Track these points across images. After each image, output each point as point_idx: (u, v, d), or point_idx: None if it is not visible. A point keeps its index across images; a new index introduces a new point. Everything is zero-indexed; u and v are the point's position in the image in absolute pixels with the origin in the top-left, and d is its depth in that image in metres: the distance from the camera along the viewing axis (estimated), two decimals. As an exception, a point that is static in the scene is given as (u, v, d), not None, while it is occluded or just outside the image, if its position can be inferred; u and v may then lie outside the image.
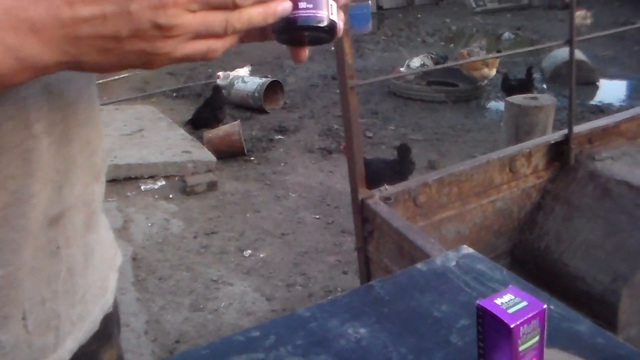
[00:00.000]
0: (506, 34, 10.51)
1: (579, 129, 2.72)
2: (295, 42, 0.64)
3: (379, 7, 12.73)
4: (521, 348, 0.90)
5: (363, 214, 2.23)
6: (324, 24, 0.61)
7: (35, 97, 0.64)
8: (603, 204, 2.51)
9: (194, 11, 0.52)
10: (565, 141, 2.66)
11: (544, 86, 7.12)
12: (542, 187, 2.72)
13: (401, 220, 2.09)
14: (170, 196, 4.72)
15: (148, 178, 4.96)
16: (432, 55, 7.48)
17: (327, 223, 4.27)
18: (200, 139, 5.52)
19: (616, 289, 2.32)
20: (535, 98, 4.87)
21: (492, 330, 0.92)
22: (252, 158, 5.46)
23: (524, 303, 0.92)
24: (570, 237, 2.55)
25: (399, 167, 4.23)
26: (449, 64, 6.97)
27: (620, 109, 6.12)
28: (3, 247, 0.65)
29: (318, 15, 0.60)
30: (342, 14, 0.63)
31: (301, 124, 6.30)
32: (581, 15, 9.27)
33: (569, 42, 2.56)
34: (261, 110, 6.54)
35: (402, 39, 10.19)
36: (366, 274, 2.35)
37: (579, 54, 6.68)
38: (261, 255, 3.88)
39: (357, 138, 2.17)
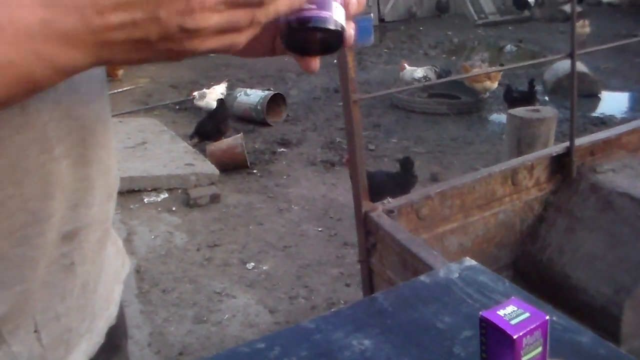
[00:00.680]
0: (508, 46, 10.54)
1: (580, 141, 2.73)
2: (302, 48, 0.64)
3: (381, 20, 12.78)
4: (524, 359, 0.91)
5: (366, 227, 2.24)
6: (330, 25, 0.60)
7: (56, 122, 0.66)
8: (605, 216, 2.52)
9: (220, 11, 0.53)
10: (567, 153, 2.67)
11: (546, 98, 7.13)
12: (544, 200, 2.73)
13: (404, 232, 2.10)
14: (173, 209, 4.74)
15: (151, 191, 4.98)
16: (436, 69, 7.50)
17: (330, 235, 4.28)
18: (203, 151, 5.54)
19: (619, 301, 2.32)
20: (537, 110, 4.87)
21: (495, 341, 0.93)
22: (254, 171, 5.48)
23: (527, 314, 0.93)
24: (572, 249, 2.55)
25: (401, 180, 4.24)
26: (453, 77, 6.98)
27: (622, 121, 6.14)
28: (22, 264, 0.67)
29: (323, 15, 0.60)
30: (352, 24, 0.64)
31: (304, 137, 6.31)
32: (579, 25, 9.29)
33: (571, 55, 2.58)
34: (264, 123, 6.56)
35: (405, 52, 10.22)
36: (369, 287, 2.35)
37: (580, 66, 6.70)
38: (264, 268, 3.88)
39: (360, 151, 2.18)
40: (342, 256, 3.99)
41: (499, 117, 6.67)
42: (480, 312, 0.94)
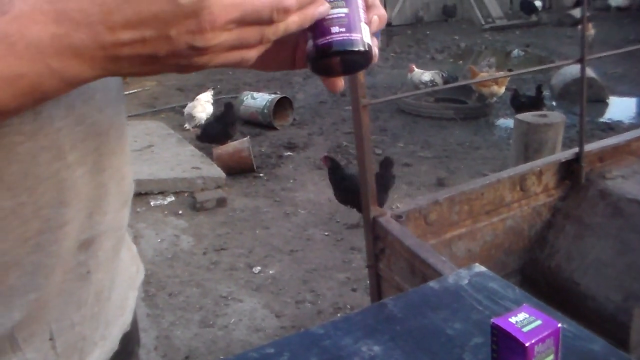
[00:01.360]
0: (515, 51, 10.55)
1: (589, 147, 2.72)
2: (331, 71, 0.63)
3: (388, 24, 12.79)
4: (535, 367, 0.90)
5: (374, 232, 2.23)
6: (360, 47, 0.59)
7: (69, 128, 0.66)
8: (614, 223, 2.51)
9: (230, 30, 0.53)
10: (576, 160, 2.66)
11: (553, 103, 7.12)
12: (552, 206, 2.71)
13: (413, 238, 2.09)
14: (180, 212, 4.74)
15: (158, 194, 4.98)
16: (443, 74, 7.49)
17: (336, 240, 4.28)
18: (209, 155, 5.54)
19: (628, 308, 2.31)
20: (544, 115, 4.87)
21: (506, 348, 0.92)
22: (261, 174, 5.48)
23: (539, 322, 0.92)
24: (581, 255, 2.54)
25: (380, 180, 4.27)
26: (460, 82, 6.98)
27: (630, 126, 6.12)
28: (36, 272, 0.67)
29: (353, 38, 0.59)
30: (375, 40, 0.63)
31: (310, 141, 6.31)
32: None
33: (580, 61, 2.57)
34: (270, 127, 6.56)
35: (411, 56, 10.22)
36: (377, 292, 2.35)
37: (588, 71, 6.66)
38: (270, 272, 3.88)
39: (368, 155, 2.17)
40: (348, 261, 3.99)
41: (506, 122, 6.66)
42: (492, 319, 0.93)
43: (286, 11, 0.54)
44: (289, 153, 5.97)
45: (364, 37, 0.60)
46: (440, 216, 2.39)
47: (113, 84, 0.74)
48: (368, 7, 0.63)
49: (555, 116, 4.92)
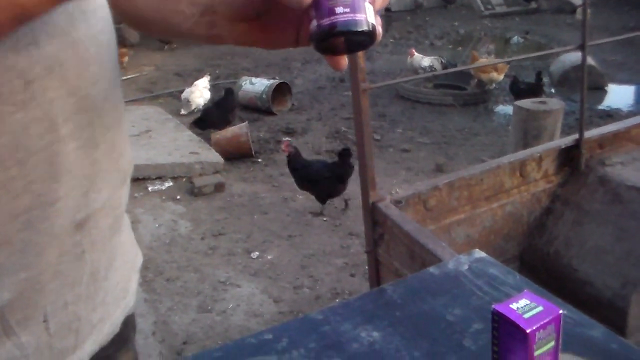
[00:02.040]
0: (515, 38, 10.51)
1: (589, 134, 2.71)
2: (335, 50, 0.63)
3: (387, 10, 12.71)
4: (536, 353, 0.89)
5: (373, 217, 2.23)
6: (364, 27, 0.59)
7: (62, 100, 0.64)
8: (613, 209, 2.51)
9: None
10: (576, 146, 2.66)
11: (552, 90, 7.10)
12: (552, 192, 2.71)
13: (412, 223, 2.09)
14: (178, 197, 4.73)
15: (155, 179, 4.97)
16: (442, 60, 7.47)
17: (335, 225, 4.27)
18: (207, 140, 5.52)
19: (626, 294, 2.31)
20: (543, 102, 4.86)
21: (507, 335, 0.91)
22: (259, 160, 5.46)
23: (540, 308, 0.91)
24: (579, 242, 2.54)
25: (338, 170, 4.34)
26: (459, 68, 6.95)
27: (629, 114, 6.11)
28: (26, 250, 0.65)
29: (357, 18, 0.59)
30: (379, 18, 0.62)
31: (309, 126, 6.30)
32: (579, 13, 9.25)
33: (581, 47, 2.56)
34: (269, 112, 6.54)
35: (411, 42, 10.18)
36: (376, 277, 2.35)
37: (588, 59, 6.66)
38: (268, 257, 3.88)
39: (368, 141, 2.16)
40: (346, 246, 3.99)
41: (505, 109, 6.64)
42: (493, 305, 0.93)
43: None
44: (287, 138, 5.95)
45: (368, 16, 0.59)
46: (440, 202, 2.39)
47: (107, 57, 0.72)
48: None
49: (554, 103, 4.91)
